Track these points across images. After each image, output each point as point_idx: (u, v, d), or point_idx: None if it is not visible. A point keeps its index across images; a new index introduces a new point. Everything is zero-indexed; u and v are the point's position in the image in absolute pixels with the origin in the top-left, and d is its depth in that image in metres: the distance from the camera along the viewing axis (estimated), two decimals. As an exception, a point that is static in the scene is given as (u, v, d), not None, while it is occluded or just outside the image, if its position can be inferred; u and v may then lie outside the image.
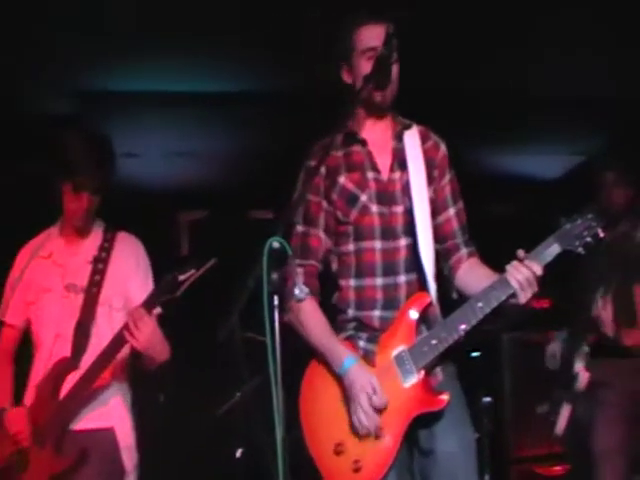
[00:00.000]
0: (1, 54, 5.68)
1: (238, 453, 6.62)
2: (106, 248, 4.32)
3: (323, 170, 3.65)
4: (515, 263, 3.41)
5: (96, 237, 4.35)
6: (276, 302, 3.05)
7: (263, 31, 5.38)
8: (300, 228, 3.68)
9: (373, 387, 3.46)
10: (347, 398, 3.52)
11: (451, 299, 3.71)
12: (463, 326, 3.46)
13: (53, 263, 4.29)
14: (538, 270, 3.39)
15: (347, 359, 3.53)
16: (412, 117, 3.77)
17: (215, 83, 6.24)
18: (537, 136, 7.15)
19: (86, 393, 4.07)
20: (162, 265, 4.58)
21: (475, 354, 6.43)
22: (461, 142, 6.59)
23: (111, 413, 4.19)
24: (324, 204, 3.69)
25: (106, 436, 4.15)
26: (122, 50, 5.63)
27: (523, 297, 3.40)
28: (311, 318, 3.61)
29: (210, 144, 7.31)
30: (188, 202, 8.09)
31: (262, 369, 3.18)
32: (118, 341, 3.95)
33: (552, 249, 3.45)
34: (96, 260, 4.28)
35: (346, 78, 3.73)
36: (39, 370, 4.19)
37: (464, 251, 3.72)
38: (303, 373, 3.69)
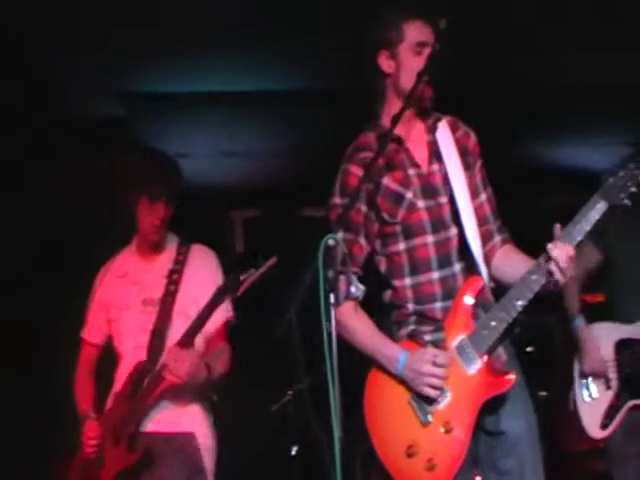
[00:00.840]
0: (50, 55, 5.72)
1: (293, 451, 6.63)
2: (180, 261, 4.44)
3: (362, 174, 3.58)
4: (551, 245, 3.40)
5: (171, 251, 4.48)
6: (332, 300, 3.03)
7: (315, 29, 5.38)
8: (342, 235, 3.56)
9: (433, 353, 3.47)
10: (413, 392, 3.50)
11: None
12: (520, 302, 3.45)
13: (129, 281, 4.44)
14: (570, 250, 3.38)
15: (401, 355, 3.52)
16: (461, 110, 3.75)
17: (265, 82, 6.25)
18: (590, 127, 7.09)
19: (155, 395, 4.22)
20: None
21: (530, 349, 6.39)
22: (513, 134, 6.61)
23: (192, 417, 4.35)
24: (364, 209, 3.66)
25: (187, 439, 4.30)
26: (172, 51, 5.66)
27: (561, 279, 3.38)
28: (359, 322, 3.59)
29: (261, 143, 7.33)
30: (241, 201, 8.12)
31: (317, 369, 3.18)
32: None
33: (599, 207, 3.43)
34: (171, 272, 4.40)
35: (385, 66, 3.68)
36: (120, 380, 4.35)
37: (497, 238, 3.72)
38: (360, 370, 3.67)
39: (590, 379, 4.81)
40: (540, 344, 6.45)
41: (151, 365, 4.25)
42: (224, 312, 4.40)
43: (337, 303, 3.09)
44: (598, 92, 6.39)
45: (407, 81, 3.58)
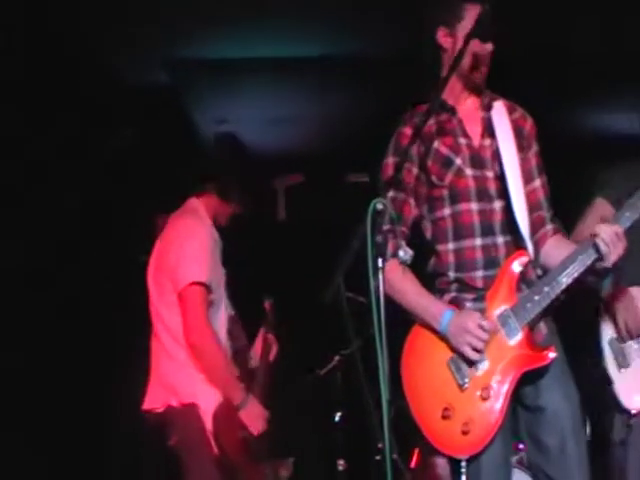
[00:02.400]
0: (95, 23, 5.74)
1: (337, 417, 6.66)
2: None
3: (415, 137, 3.62)
4: (599, 225, 3.44)
5: None
6: (380, 264, 3.05)
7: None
8: (391, 194, 3.65)
9: (479, 315, 3.48)
10: (453, 355, 3.52)
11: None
12: (565, 279, 3.45)
13: (219, 249, 4.52)
14: (619, 229, 3.41)
15: (447, 312, 3.54)
16: (511, 76, 3.74)
17: (311, 47, 6.24)
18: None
19: None
20: (261, 230, 4.69)
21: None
22: (565, 103, 6.56)
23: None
24: (415, 170, 3.69)
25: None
26: (217, 17, 5.66)
27: (610, 258, 3.41)
28: (406, 280, 3.60)
29: (305, 109, 7.32)
30: (284, 168, 8.12)
31: (362, 334, 3.20)
32: None
33: None
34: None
35: (444, 42, 3.70)
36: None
37: (549, 227, 3.71)
38: (405, 335, 3.69)
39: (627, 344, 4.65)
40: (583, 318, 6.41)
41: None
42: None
43: (385, 264, 3.12)
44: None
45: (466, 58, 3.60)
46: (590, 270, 3.47)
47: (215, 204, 4.52)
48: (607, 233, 3.40)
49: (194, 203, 4.50)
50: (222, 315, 4.42)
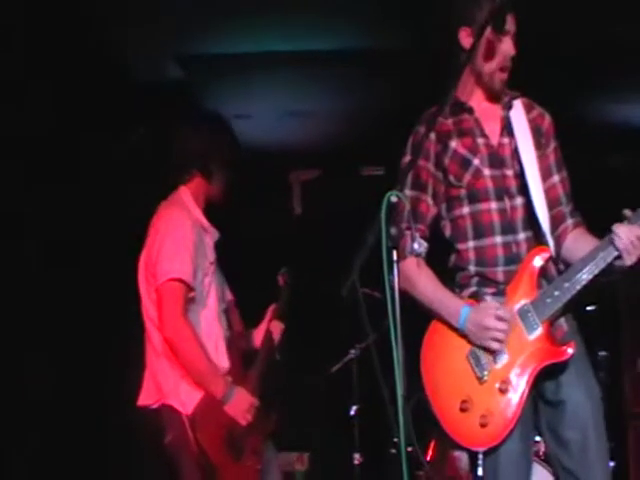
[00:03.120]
0: (108, 18, 5.75)
1: (352, 410, 6.67)
2: None
3: (433, 136, 3.66)
4: (618, 225, 3.42)
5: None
6: (395, 257, 3.05)
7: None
8: (409, 193, 3.66)
9: (495, 306, 3.49)
10: (472, 348, 3.53)
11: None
12: (585, 276, 3.45)
13: (209, 238, 4.44)
14: (638, 231, 3.39)
15: (464, 308, 3.55)
16: (528, 70, 3.72)
17: (326, 41, 6.24)
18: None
19: None
20: (276, 225, 4.68)
21: (591, 308, 6.34)
22: (579, 92, 6.53)
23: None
24: (432, 170, 3.70)
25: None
26: (231, 12, 5.66)
27: (629, 259, 3.40)
28: (424, 276, 3.62)
29: (321, 103, 7.32)
30: (300, 161, 8.11)
31: (378, 328, 3.20)
32: None
33: None
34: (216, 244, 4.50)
35: (465, 43, 3.66)
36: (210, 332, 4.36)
37: (570, 221, 3.71)
38: (421, 329, 3.69)
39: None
40: (601, 303, 6.40)
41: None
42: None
43: (400, 258, 3.12)
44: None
45: (483, 60, 3.62)
46: (610, 268, 3.46)
47: (203, 188, 4.45)
48: (625, 234, 3.39)
49: (181, 192, 4.42)
50: (210, 307, 4.34)
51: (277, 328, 4.80)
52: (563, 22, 5.83)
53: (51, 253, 5.62)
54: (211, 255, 4.38)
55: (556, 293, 3.48)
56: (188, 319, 4.17)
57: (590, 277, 3.44)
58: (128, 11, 5.65)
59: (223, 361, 4.30)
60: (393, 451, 6.29)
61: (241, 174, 4.54)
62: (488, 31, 3.56)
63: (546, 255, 3.56)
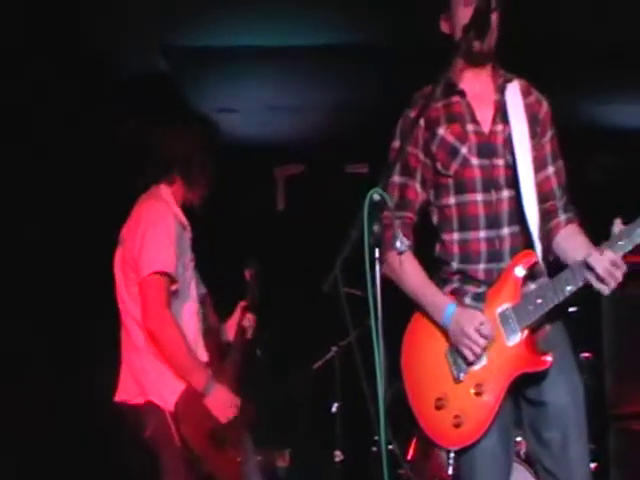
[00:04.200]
0: (95, 11, 5.72)
1: (334, 408, 6.66)
2: None
3: (422, 121, 3.61)
4: (591, 256, 3.34)
5: None
6: (377, 255, 3.02)
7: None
8: (397, 179, 3.64)
9: (480, 320, 3.45)
10: (451, 346, 3.51)
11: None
12: (569, 287, 3.41)
13: (188, 236, 4.38)
14: (614, 258, 3.32)
15: (449, 306, 3.52)
16: (515, 66, 3.70)
17: (311, 36, 6.22)
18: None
19: None
20: (259, 221, 4.66)
21: (573, 309, 6.35)
22: (564, 91, 6.52)
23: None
24: (421, 156, 3.65)
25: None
26: (218, 5, 5.64)
27: (606, 289, 3.34)
28: (410, 270, 3.59)
29: (306, 98, 7.30)
30: (283, 157, 8.10)
31: (359, 324, 3.18)
32: None
33: None
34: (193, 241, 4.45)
35: (444, 28, 3.68)
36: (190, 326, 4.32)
37: (562, 217, 3.66)
38: (403, 327, 3.68)
39: None
40: (583, 304, 6.40)
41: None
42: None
43: (387, 250, 3.14)
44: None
45: (459, 35, 3.54)
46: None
47: (182, 190, 4.39)
48: (602, 266, 3.31)
49: (162, 188, 4.36)
50: (191, 301, 4.31)
51: (249, 321, 4.79)
52: (550, 22, 5.84)
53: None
54: (190, 252, 4.34)
55: (539, 301, 3.44)
56: (171, 312, 4.14)
57: (574, 289, 3.40)
58: (113, 3, 5.61)
59: (202, 354, 4.28)
60: (374, 449, 6.28)
61: (224, 167, 4.51)
62: (454, 5, 3.58)
63: (531, 261, 3.52)
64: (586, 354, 6.44)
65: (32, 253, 5.51)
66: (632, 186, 7.08)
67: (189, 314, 4.28)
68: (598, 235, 3.51)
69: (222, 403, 4.22)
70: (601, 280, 3.33)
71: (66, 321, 5.72)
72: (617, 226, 3.39)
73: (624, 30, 6.00)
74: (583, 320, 6.17)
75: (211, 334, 4.49)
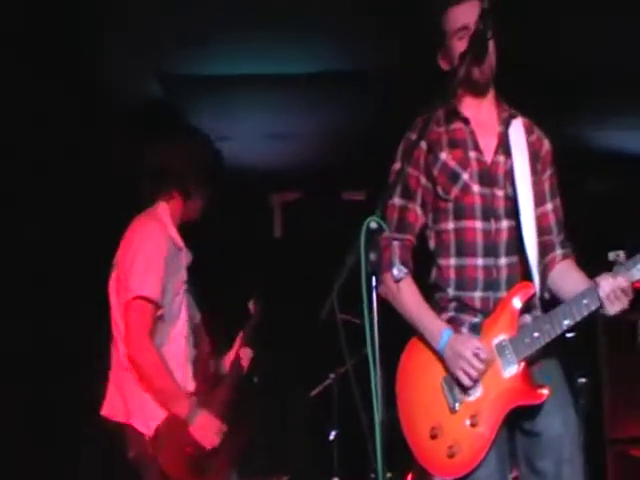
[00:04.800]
0: (91, 38, 5.73)
1: (332, 435, 6.64)
2: None
3: (424, 144, 3.61)
4: (605, 275, 3.37)
5: None
6: (374, 283, 3.02)
7: (361, 11, 5.35)
8: (398, 201, 3.64)
9: (477, 345, 3.44)
10: (447, 375, 3.50)
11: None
12: (567, 321, 3.41)
13: (184, 257, 4.36)
14: (623, 284, 3.34)
15: (445, 331, 3.51)
16: (514, 91, 3.71)
17: (307, 64, 6.23)
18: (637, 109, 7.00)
19: None
20: (256, 247, 4.67)
21: (570, 335, 6.34)
22: (560, 117, 6.55)
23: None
24: (422, 179, 3.65)
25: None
26: (214, 33, 5.65)
27: (611, 310, 3.36)
28: (408, 295, 3.57)
29: (301, 125, 7.31)
30: (281, 184, 8.11)
31: (357, 351, 3.18)
32: None
33: None
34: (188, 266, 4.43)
35: (443, 65, 3.70)
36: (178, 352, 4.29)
37: (559, 252, 3.67)
38: (400, 354, 3.67)
39: None
40: (580, 330, 6.40)
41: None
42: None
43: (384, 272, 3.21)
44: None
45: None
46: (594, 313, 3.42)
47: (180, 206, 4.39)
48: (611, 288, 3.34)
49: (159, 207, 4.36)
50: (180, 325, 4.27)
51: (246, 354, 4.75)
52: (545, 47, 5.86)
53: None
54: (184, 274, 4.32)
55: (535, 334, 3.44)
56: (153, 339, 4.12)
57: (572, 323, 3.40)
58: (111, 30, 5.63)
59: (189, 382, 4.25)
60: (372, 476, 6.26)
61: (221, 194, 4.51)
62: (449, 40, 3.61)
63: (528, 293, 3.52)
64: (583, 379, 6.43)
65: (33, 258, 5.55)
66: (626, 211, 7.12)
67: (177, 339, 4.25)
68: (592, 260, 3.52)
69: (206, 430, 4.19)
70: (608, 301, 3.33)
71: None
72: (622, 257, 3.40)
73: (623, 55, 6.04)
74: (580, 345, 6.18)
75: (202, 361, 4.45)
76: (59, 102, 5.79)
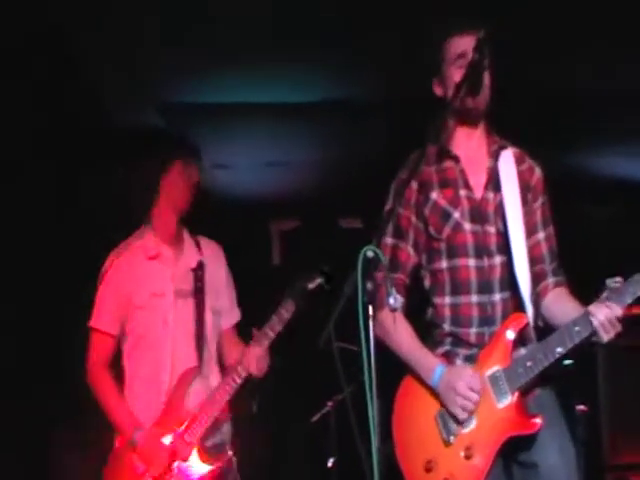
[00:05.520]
0: (90, 67, 5.76)
1: (330, 462, 6.63)
2: (202, 255, 4.42)
3: (415, 184, 3.63)
4: (598, 303, 3.38)
5: (189, 242, 4.45)
6: (371, 312, 3.04)
7: (355, 39, 5.38)
8: (389, 240, 3.65)
9: (470, 374, 3.45)
10: (441, 409, 3.50)
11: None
12: (560, 349, 3.40)
13: (163, 266, 4.33)
14: (618, 312, 3.34)
15: (438, 367, 3.52)
16: (506, 118, 3.71)
17: (304, 93, 6.26)
18: (634, 136, 7.01)
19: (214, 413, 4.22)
20: (255, 275, 4.67)
21: (568, 362, 6.35)
22: (560, 144, 6.58)
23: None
24: (413, 219, 3.66)
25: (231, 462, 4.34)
26: (210, 62, 5.68)
27: (605, 337, 3.36)
28: (401, 330, 3.58)
29: (299, 154, 7.33)
30: (279, 212, 8.13)
31: (355, 379, 3.19)
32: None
33: None
34: (198, 267, 4.37)
35: (437, 91, 3.70)
36: (156, 379, 4.27)
37: (551, 280, 3.66)
38: (398, 382, 3.68)
39: None
40: (579, 357, 6.41)
41: (200, 370, 4.27)
42: (236, 313, 4.54)
43: (378, 309, 3.12)
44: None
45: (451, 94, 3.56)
46: (586, 341, 3.41)
47: (156, 212, 4.39)
48: (605, 316, 3.34)
49: (140, 230, 4.43)
50: (159, 343, 4.27)
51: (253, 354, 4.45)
52: (542, 73, 5.89)
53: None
54: (156, 284, 4.30)
55: (529, 364, 3.44)
56: (105, 369, 4.28)
57: (564, 351, 3.40)
58: (112, 59, 5.65)
59: (154, 404, 4.24)
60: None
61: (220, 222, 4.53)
62: (446, 68, 3.61)
63: (521, 323, 3.52)
64: (582, 406, 6.44)
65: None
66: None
67: (153, 359, 4.27)
68: (590, 287, 3.53)
69: (150, 455, 4.16)
70: (602, 328, 3.32)
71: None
72: (615, 282, 3.41)
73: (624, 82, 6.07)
74: (579, 372, 6.18)
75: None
76: (58, 130, 5.81)
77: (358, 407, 3.10)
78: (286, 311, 4.23)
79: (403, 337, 3.59)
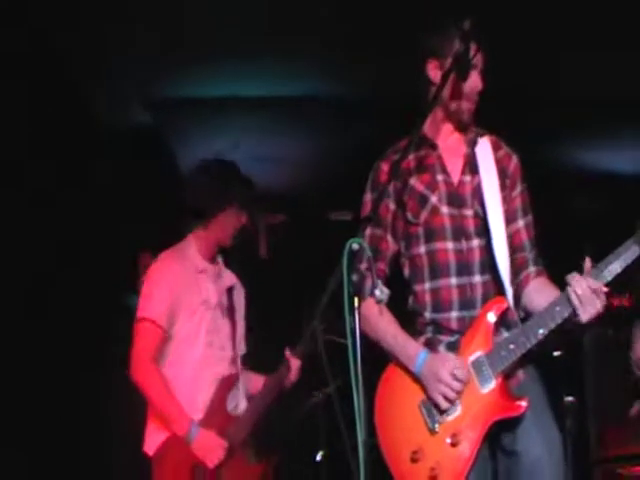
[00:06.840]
0: (75, 64, 5.75)
1: (318, 456, 6.63)
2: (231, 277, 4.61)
3: (393, 173, 3.61)
4: (575, 276, 3.36)
5: (221, 264, 4.60)
6: (357, 304, 3.04)
7: (344, 34, 5.39)
8: (369, 230, 3.64)
9: (454, 363, 3.45)
10: (425, 398, 3.50)
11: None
12: (542, 330, 3.41)
13: (209, 280, 4.45)
14: (595, 284, 3.33)
15: (421, 353, 3.52)
16: (489, 111, 3.70)
17: (293, 87, 6.26)
18: (620, 130, 7.04)
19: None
20: (240, 269, 4.69)
21: (556, 353, 6.36)
22: (545, 137, 6.60)
23: None
24: (392, 207, 3.68)
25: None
26: (199, 57, 5.68)
27: (584, 315, 3.34)
28: (382, 319, 3.57)
29: (288, 148, 7.34)
30: (267, 206, 8.11)
31: (342, 372, 3.20)
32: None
33: (632, 251, 3.37)
34: (231, 288, 4.56)
35: (433, 75, 3.64)
36: (196, 384, 4.34)
37: (532, 269, 3.66)
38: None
39: None
40: (567, 348, 6.43)
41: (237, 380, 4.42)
42: (244, 346, 4.63)
43: (362, 301, 3.11)
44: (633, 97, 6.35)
45: (450, 93, 3.59)
46: (568, 321, 3.40)
47: (204, 235, 4.47)
48: (581, 287, 3.33)
49: (186, 239, 4.49)
50: (197, 345, 4.35)
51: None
52: (533, 67, 5.90)
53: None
54: (205, 294, 4.39)
55: (511, 346, 3.44)
56: (154, 362, 4.22)
57: (546, 332, 3.40)
58: (97, 53, 5.65)
59: (198, 402, 4.31)
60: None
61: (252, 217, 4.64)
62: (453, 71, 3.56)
63: (502, 307, 3.53)
64: (569, 398, 6.44)
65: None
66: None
67: (192, 360, 4.33)
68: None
69: (208, 448, 4.23)
70: (579, 303, 3.32)
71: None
72: (588, 263, 3.40)
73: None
74: (566, 364, 6.20)
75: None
76: (48, 131, 5.81)
77: (346, 400, 3.10)
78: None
79: (386, 326, 3.58)
